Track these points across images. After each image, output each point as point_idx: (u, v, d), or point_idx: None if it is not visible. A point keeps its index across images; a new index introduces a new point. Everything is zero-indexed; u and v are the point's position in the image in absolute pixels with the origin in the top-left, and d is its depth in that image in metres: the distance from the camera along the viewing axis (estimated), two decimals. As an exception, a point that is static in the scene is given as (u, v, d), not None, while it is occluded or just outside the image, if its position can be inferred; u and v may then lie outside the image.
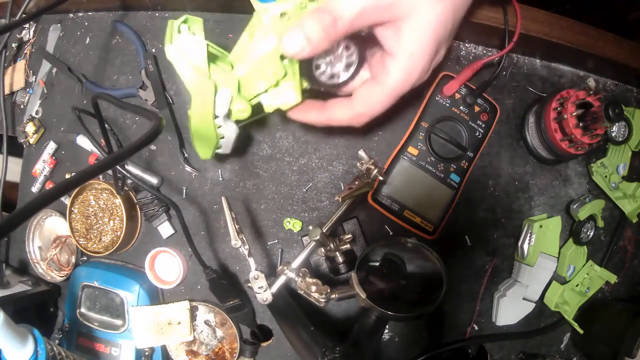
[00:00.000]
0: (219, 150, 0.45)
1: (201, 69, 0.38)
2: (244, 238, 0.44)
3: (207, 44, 0.41)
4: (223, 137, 0.44)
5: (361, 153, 0.46)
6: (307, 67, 0.40)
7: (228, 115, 0.41)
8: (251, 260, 0.44)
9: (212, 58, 0.40)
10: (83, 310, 0.58)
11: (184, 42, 0.38)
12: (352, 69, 0.41)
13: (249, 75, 0.40)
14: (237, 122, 0.43)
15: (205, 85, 0.38)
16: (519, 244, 0.54)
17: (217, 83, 0.39)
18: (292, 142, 0.55)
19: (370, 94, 0.39)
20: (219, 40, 0.44)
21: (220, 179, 0.56)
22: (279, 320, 0.52)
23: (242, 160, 0.56)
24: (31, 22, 0.65)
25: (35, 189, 0.63)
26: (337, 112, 0.41)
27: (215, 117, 0.41)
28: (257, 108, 0.43)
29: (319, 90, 0.44)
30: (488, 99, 0.52)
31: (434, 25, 0.35)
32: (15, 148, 0.66)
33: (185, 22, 0.40)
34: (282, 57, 0.39)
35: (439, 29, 0.35)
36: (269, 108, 0.42)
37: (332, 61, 0.41)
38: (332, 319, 0.56)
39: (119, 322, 0.56)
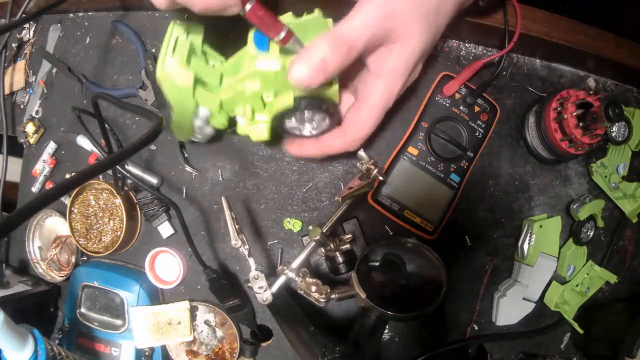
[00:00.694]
0: (194, 139, 0.49)
1: (186, 94, 0.41)
2: (244, 238, 0.44)
3: (205, 52, 0.43)
4: (199, 134, 0.47)
5: (361, 153, 0.46)
6: (279, 118, 0.42)
7: (206, 122, 0.45)
8: (251, 260, 0.44)
9: (202, 74, 0.42)
10: (83, 310, 0.58)
11: (174, 70, 0.39)
12: (317, 131, 0.44)
13: (231, 100, 0.43)
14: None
15: (187, 105, 0.42)
16: (519, 244, 0.54)
17: (199, 102, 0.42)
18: (292, 142, 0.55)
19: (358, 117, 0.41)
20: (218, 40, 0.45)
21: (220, 179, 0.56)
22: (279, 320, 0.52)
23: (242, 160, 0.56)
24: (31, 22, 0.65)
25: (35, 189, 0.63)
26: (331, 142, 0.43)
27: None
28: (235, 120, 0.46)
29: None
30: (488, 99, 0.52)
31: (419, 49, 0.38)
32: (15, 148, 0.66)
33: (186, 29, 0.41)
34: (262, 98, 0.41)
35: (422, 51, 0.38)
36: (240, 130, 0.45)
37: (302, 119, 0.43)
38: (332, 319, 0.56)
39: (119, 322, 0.56)
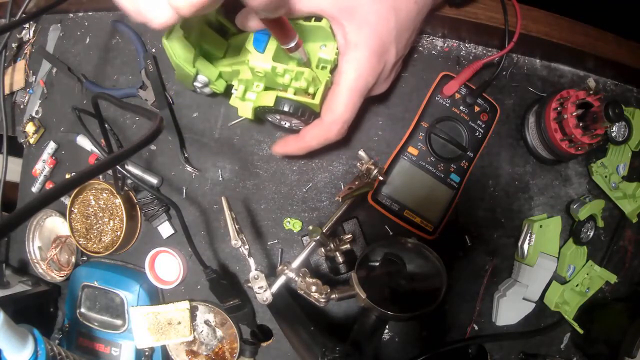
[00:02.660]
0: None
1: (186, 64, 0.44)
2: (244, 238, 0.44)
3: (220, 21, 0.47)
4: (198, 91, 0.51)
5: (361, 153, 0.46)
6: (262, 110, 0.44)
7: (205, 84, 0.48)
8: (251, 260, 0.44)
9: (209, 43, 0.46)
10: (83, 310, 0.58)
11: (177, 41, 0.42)
12: (296, 126, 0.47)
13: (229, 74, 0.47)
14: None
15: (187, 72, 0.45)
16: (519, 244, 0.54)
17: (200, 71, 0.46)
18: (292, 142, 0.55)
19: (331, 97, 0.41)
20: (235, 10, 0.45)
21: (220, 179, 0.56)
22: (279, 320, 0.52)
23: (242, 160, 0.56)
24: (31, 22, 0.65)
25: (35, 189, 0.63)
26: (312, 131, 0.43)
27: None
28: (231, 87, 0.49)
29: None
30: (488, 99, 0.52)
31: (372, 20, 0.38)
32: (15, 148, 0.66)
33: None
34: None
35: (380, 24, 0.38)
36: (231, 101, 0.46)
37: (281, 118, 0.46)
38: (332, 319, 0.56)
39: (119, 322, 0.56)
